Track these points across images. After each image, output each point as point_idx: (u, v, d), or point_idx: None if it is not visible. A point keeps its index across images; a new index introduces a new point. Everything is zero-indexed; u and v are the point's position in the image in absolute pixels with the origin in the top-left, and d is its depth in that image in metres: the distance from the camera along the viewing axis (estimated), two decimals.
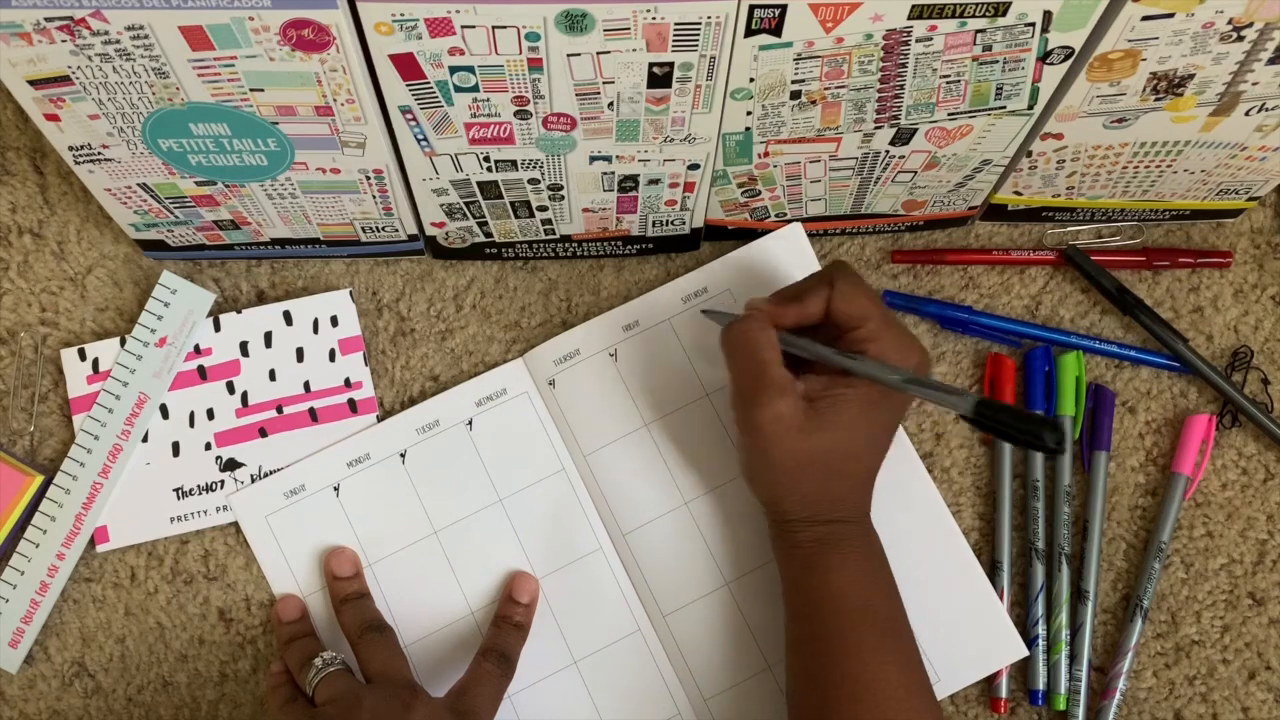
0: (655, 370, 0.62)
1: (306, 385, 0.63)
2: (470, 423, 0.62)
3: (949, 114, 0.54)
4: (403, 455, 0.62)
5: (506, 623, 0.59)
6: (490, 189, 0.58)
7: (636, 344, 0.62)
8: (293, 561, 0.61)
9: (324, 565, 0.61)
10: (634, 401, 0.61)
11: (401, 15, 0.44)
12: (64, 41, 0.45)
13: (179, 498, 0.62)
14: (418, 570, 0.61)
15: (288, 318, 0.64)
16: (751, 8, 0.45)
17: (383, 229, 0.62)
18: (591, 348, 0.62)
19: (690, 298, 0.62)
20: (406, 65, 0.47)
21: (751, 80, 0.50)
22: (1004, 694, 0.61)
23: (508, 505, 0.61)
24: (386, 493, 0.61)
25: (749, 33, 0.47)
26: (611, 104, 0.51)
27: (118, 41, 0.45)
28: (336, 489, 0.61)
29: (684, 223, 0.63)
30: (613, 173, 0.57)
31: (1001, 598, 0.61)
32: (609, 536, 0.61)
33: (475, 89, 0.49)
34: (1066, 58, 0.50)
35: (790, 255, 0.62)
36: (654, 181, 0.58)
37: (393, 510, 0.61)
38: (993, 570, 0.62)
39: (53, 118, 0.50)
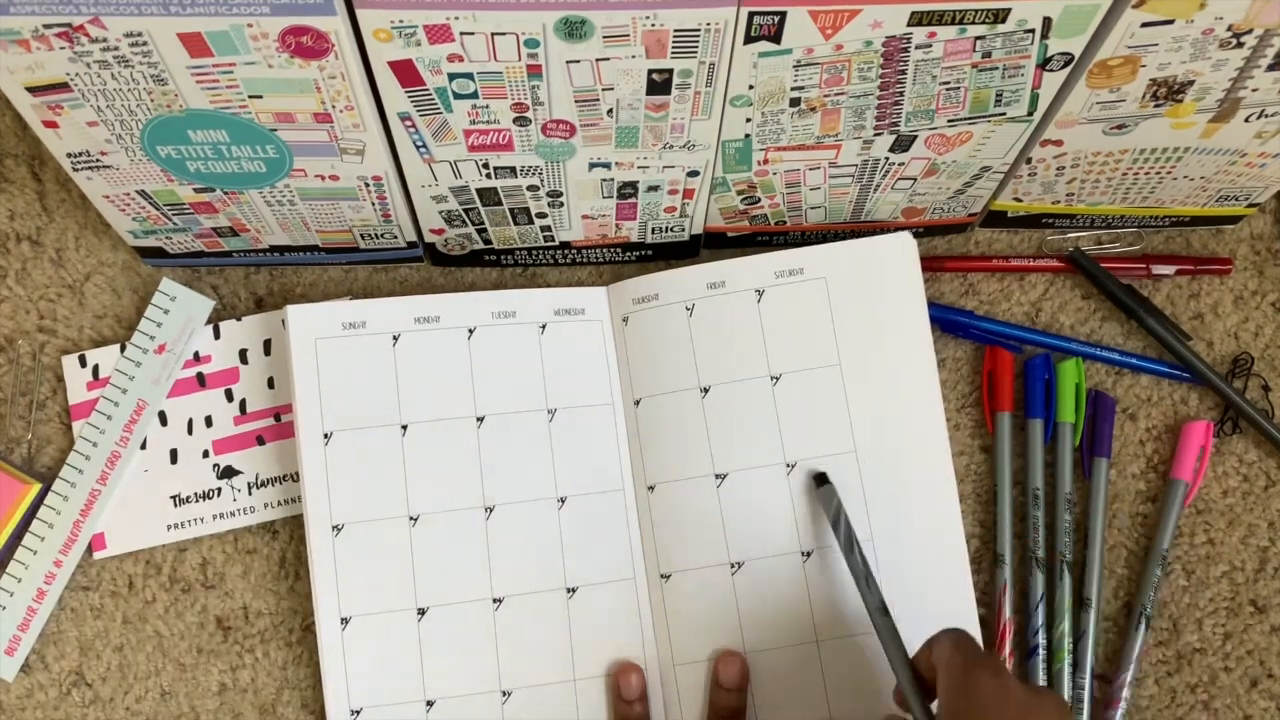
0: (727, 336, 0.61)
1: None
2: (543, 327, 0.62)
3: (948, 121, 0.54)
4: (471, 331, 0.61)
5: None
6: (489, 196, 0.58)
7: (716, 304, 0.62)
8: (325, 393, 0.60)
9: (610, 681, 0.59)
10: (695, 361, 0.61)
11: (400, 22, 0.44)
12: (62, 49, 0.45)
13: (176, 505, 0.62)
14: (444, 447, 0.60)
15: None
16: (751, 15, 0.45)
17: (382, 236, 0.62)
18: (671, 296, 0.62)
19: (784, 274, 0.62)
20: (405, 72, 0.47)
21: (751, 87, 0.50)
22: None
23: (551, 416, 0.61)
24: (442, 362, 0.61)
25: (748, 40, 0.47)
26: (611, 111, 0.50)
27: (116, 48, 0.45)
28: (396, 338, 0.61)
29: (684, 230, 0.63)
30: (612, 179, 0.57)
31: (1002, 605, 0.61)
32: (633, 483, 0.61)
33: (474, 96, 0.49)
34: (1066, 64, 0.50)
35: (894, 264, 0.62)
36: (653, 188, 0.58)
37: (443, 381, 0.61)
38: (993, 578, 0.62)
39: (51, 125, 0.50)
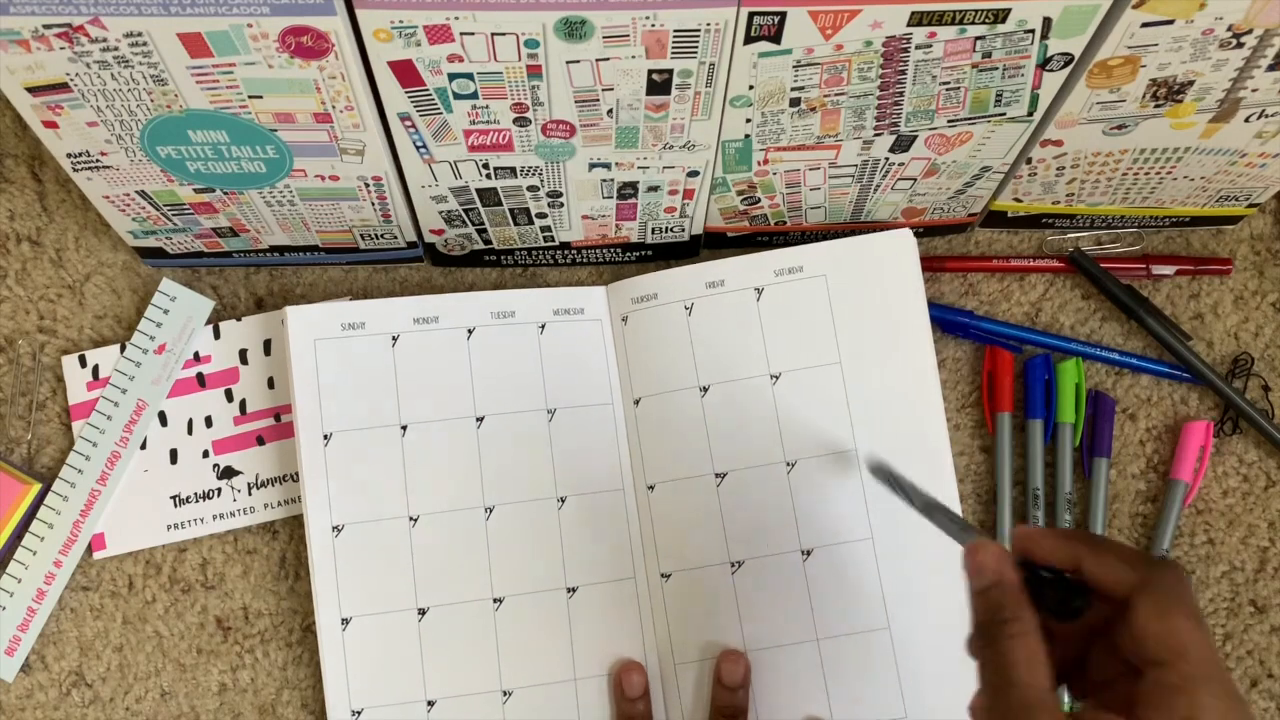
0: (726, 335, 0.61)
1: None
2: (542, 327, 0.62)
3: (948, 121, 0.54)
4: (470, 331, 0.61)
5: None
6: (489, 196, 0.58)
7: (715, 303, 0.62)
8: (325, 394, 0.60)
9: (613, 679, 0.59)
10: (694, 360, 0.61)
11: (400, 22, 0.44)
12: (62, 49, 0.45)
13: (176, 505, 0.62)
14: (444, 448, 0.60)
15: None
16: (751, 15, 0.45)
17: (382, 236, 0.62)
18: (670, 295, 0.62)
19: (783, 273, 0.62)
20: (405, 72, 0.47)
21: (751, 87, 0.50)
22: None
23: (551, 416, 0.61)
24: (441, 362, 0.61)
25: (748, 40, 0.47)
26: (611, 111, 0.50)
27: (116, 49, 0.45)
28: (395, 339, 0.61)
29: (684, 230, 0.63)
30: (612, 180, 0.57)
31: None
32: (632, 483, 0.61)
33: (474, 96, 0.49)
34: (1066, 64, 0.50)
35: (894, 260, 0.62)
36: (653, 189, 0.58)
37: (442, 381, 0.61)
38: None
39: (51, 125, 0.50)
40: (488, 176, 0.56)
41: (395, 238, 0.62)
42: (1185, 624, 0.37)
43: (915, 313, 0.61)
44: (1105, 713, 0.38)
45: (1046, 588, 0.40)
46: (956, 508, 0.60)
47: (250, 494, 0.62)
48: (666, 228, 0.63)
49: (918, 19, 0.46)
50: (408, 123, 0.51)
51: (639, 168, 0.56)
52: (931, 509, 0.50)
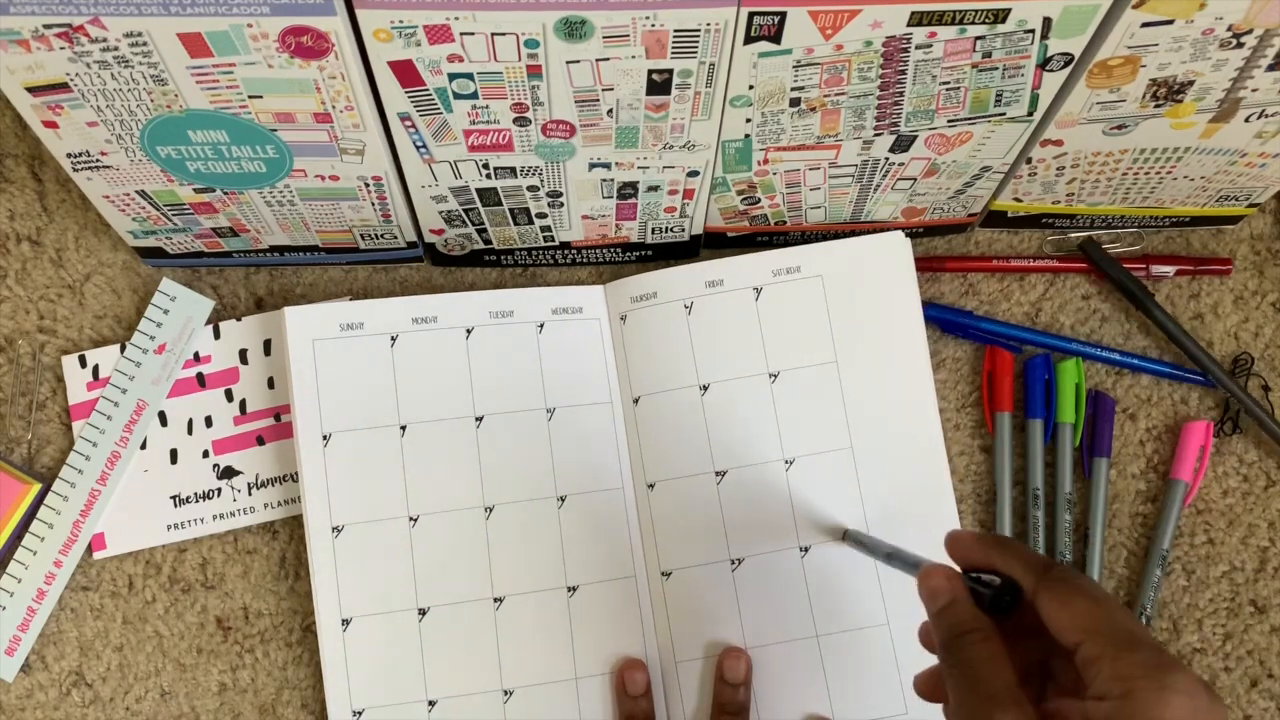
0: (725, 334, 0.62)
1: None
2: (541, 326, 0.62)
3: (948, 121, 0.54)
4: (469, 331, 0.62)
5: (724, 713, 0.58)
6: (489, 196, 0.58)
7: (715, 302, 0.62)
8: (324, 394, 0.60)
9: (615, 677, 0.59)
10: (694, 359, 0.61)
11: (400, 22, 0.44)
12: (62, 49, 0.45)
13: (176, 505, 0.62)
14: (443, 447, 0.60)
15: None
16: (751, 15, 0.45)
17: (382, 236, 0.62)
18: (669, 294, 0.62)
19: (780, 273, 0.62)
20: (405, 72, 0.47)
21: (751, 87, 0.50)
22: None
23: (550, 415, 0.61)
24: (441, 362, 0.61)
25: (748, 40, 0.47)
26: (611, 111, 0.50)
27: (116, 49, 0.45)
28: (394, 339, 0.61)
29: (684, 230, 0.63)
30: (612, 180, 0.57)
31: None
32: (632, 481, 0.61)
33: (474, 96, 0.49)
34: (1066, 64, 0.50)
35: (888, 262, 0.62)
36: (653, 189, 0.58)
37: (441, 381, 0.61)
38: None
39: (51, 125, 0.50)
40: (488, 176, 0.56)
41: (395, 238, 0.62)
42: (1085, 604, 0.40)
43: (909, 313, 0.62)
44: (1060, 698, 0.41)
45: (983, 589, 0.44)
46: (951, 503, 0.60)
47: (250, 494, 0.62)
48: (666, 228, 0.63)
49: (918, 19, 0.46)
50: (408, 123, 0.51)
51: (639, 168, 0.56)
52: (891, 557, 0.53)
